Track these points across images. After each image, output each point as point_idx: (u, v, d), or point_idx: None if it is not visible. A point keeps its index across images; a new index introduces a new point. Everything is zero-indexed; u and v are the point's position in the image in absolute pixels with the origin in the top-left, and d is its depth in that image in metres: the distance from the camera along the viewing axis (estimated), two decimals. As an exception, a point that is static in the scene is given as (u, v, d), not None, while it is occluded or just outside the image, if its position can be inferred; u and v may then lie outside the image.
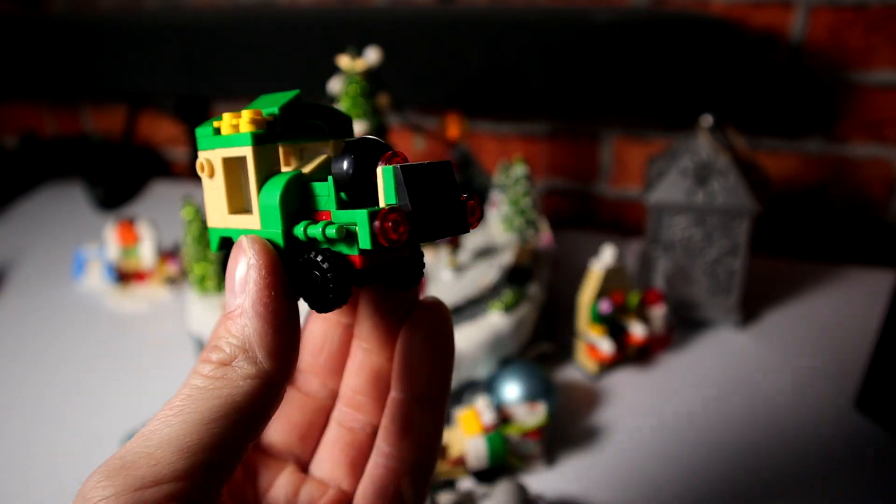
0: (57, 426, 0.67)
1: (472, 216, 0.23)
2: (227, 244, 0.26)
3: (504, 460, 0.57)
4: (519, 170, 0.75)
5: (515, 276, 0.70)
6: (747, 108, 0.92)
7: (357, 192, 0.23)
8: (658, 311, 0.70)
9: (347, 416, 0.29)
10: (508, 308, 0.66)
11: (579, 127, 1.00)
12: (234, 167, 0.25)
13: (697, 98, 0.86)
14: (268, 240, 0.24)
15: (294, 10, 1.04)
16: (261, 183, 0.24)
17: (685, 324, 0.76)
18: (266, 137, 0.24)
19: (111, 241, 0.87)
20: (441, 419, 0.28)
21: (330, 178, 0.23)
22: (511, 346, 0.66)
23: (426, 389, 0.27)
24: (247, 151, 0.24)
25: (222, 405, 0.21)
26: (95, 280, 0.90)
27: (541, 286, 0.72)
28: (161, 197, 1.16)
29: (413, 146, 0.83)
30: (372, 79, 0.67)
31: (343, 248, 0.23)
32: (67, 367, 0.76)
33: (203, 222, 0.71)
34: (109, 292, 0.88)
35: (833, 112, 0.89)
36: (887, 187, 0.90)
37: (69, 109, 1.35)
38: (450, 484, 0.57)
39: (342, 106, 0.66)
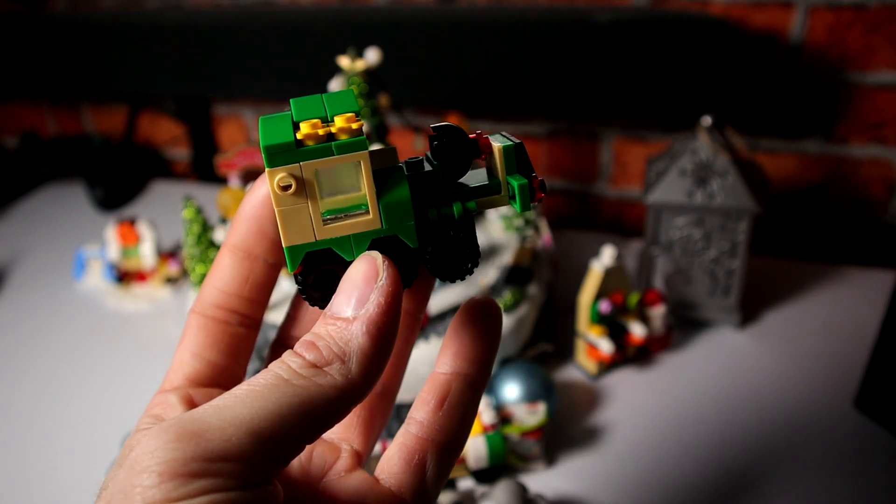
0: (57, 426, 0.68)
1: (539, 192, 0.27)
2: (315, 259, 0.26)
3: (504, 460, 0.57)
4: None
5: (515, 276, 0.70)
6: (747, 108, 0.92)
7: (452, 171, 0.26)
8: (657, 312, 0.70)
9: None
10: (508, 308, 0.66)
11: (579, 127, 1.00)
12: (327, 176, 0.25)
13: (697, 98, 0.86)
14: (393, 235, 0.26)
15: (294, 10, 1.04)
16: (375, 184, 0.25)
17: (685, 324, 0.76)
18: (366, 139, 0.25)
19: (112, 240, 0.87)
20: (476, 403, 0.29)
21: (437, 164, 0.26)
22: (511, 346, 0.66)
23: (470, 369, 0.28)
24: (361, 156, 0.24)
25: (301, 404, 0.21)
26: (96, 280, 0.90)
27: (540, 286, 0.72)
28: (161, 197, 1.16)
29: (413, 146, 0.83)
30: (372, 79, 0.67)
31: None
32: (68, 366, 0.76)
33: (204, 223, 0.71)
34: (110, 292, 0.88)
35: (833, 112, 0.89)
36: (887, 187, 0.91)
37: (70, 109, 1.35)
38: (450, 484, 0.57)
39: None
